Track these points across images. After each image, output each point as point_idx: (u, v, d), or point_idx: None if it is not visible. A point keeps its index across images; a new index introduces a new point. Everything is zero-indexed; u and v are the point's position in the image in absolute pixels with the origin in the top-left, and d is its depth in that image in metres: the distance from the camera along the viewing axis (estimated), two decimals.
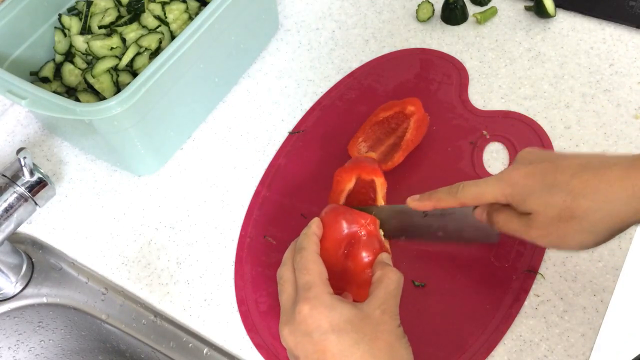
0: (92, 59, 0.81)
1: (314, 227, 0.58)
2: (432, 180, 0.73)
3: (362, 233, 0.60)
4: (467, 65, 0.84)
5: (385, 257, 0.59)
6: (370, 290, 0.53)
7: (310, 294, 0.50)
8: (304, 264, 0.53)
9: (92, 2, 0.83)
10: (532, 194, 0.52)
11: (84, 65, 0.82)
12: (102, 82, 0.78)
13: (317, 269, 0.52)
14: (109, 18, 0.81)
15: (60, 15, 0.83)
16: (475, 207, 0.60)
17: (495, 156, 0.75)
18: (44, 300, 0.76)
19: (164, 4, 0.81)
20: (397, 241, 0.69)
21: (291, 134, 0.81)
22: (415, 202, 0.61)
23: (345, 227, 0.60)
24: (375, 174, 0.68)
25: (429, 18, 0.90)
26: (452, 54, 0.86)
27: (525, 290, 0.66)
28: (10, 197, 0.69)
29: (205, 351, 0.69)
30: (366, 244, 0.60)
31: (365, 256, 0.59)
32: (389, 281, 0.53)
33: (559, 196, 0.50)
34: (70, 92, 0.81)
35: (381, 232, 0.66)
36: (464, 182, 0.57)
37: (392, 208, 0.66)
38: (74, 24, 0.82)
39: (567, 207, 0.50)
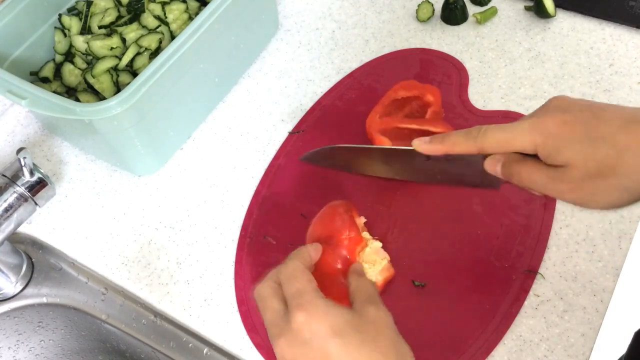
0: (92, 59, 0.81)
1: (310, 247, 0.58)
2: None
3: (345, 243, 0.62)
4: (467, 65, 0.84)
5: (359, 267, 0.59)
6: (352, 298, 0.52)
7: (304, 300, 0.48)
8: (291, 273, 0.51)
9: (92, 2, 0.83)
10: (570, 145, 0.47)
11: (84, 65, 0.82)
12: (102, 82, 0.78)
13: (306, 277, 0.51)
14: (109, 18, 0.81)
15: (60, 15, 0.83)
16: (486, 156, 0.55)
17: None
18: (44, 300, 0.76)
19: (164, 4, 0.81)
20: (392, 184, 0.68)
21: (291, 134, 0.81)
22: (424, 145, 0.54)
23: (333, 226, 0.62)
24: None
25: (429, 18, 0.90)
26: (452, 54, 0.86)
27: (525, 290, 0.65)
28: (10, 197, 0.69)
29: (205, 351, 0.69)
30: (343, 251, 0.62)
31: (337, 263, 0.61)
32: (367, 286, 0.53)
33: (602, 150, 0.46)
34: (70, 92, 0.81)
35: (380, 244, 0.67)
36: (487, 126, 0.51)
37: (393, 150, 0.62)
38: (74, 24, 0.82)
39: (610, 162, 0.46)
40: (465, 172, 0.58)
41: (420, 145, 0.54)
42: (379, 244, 0.67)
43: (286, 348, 0.47)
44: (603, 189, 0.47)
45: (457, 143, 0.53)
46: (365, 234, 0.67)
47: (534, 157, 0.50)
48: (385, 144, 0.74)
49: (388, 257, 0.67)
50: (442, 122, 0.74)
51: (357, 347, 0.46)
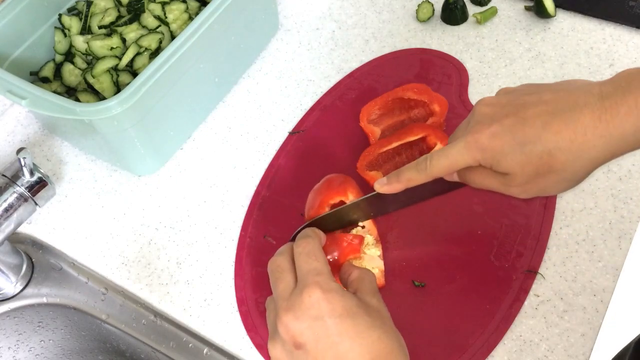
0: (92, 59, 0.81)
1: (320, 232, 0.58)
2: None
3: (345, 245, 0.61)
4: (467, 65, 0.84)
5: (353, 262, 0.60)
6: (355, 286, 0.53)
7: (320, 279, 0.48)
8: (312, 250, 0.51)
9: (92, 2, 0.83)
10: (505, 156, 0.50)
11: (84, 65, 0.82)
12: (102, 82, 0.78)
13: (323, 258, 0.51)
14: (109, 18, 0.81)
15: (60, 15, 0.83)
16: None
17: None
18: (44, 300, 0.76)
19: (164, 4, 0.81)
20: (373, 221, 0.68)
21: (291, 134, 0.81)
22: (385, 187, 0.58)
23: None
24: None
25: (429, 18, 0.90)
26: (452, 54, 0.86)
27: (525, 290, 0.65)
28: (10, 197, 0.69)
29: (205, 351, 0.69)
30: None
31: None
32: (370, 277, 0.53)
33: (533, 154, 0.48)
34: (70, 92, 0.81)
35: (378, 252, 0.66)
36: (432, 154, 0.55)
37: (363, 200, 0.64)
38: (74, 24, 0.82)
39: (544, 163, 0.48)
40: (434, 187, 0.61)
41: (380, 187, 0.58)
42: (376, 253, 0.66)
43: (294, 322, 0.47)
44: (548, 185, 0.50)
45: (412, 178, 0.56)
46: (369, 237, 0.66)
47: None
48: (373, 133, 0.76)
49: (381, 267, 0.66)
50: (441, 132, 0.74)
51: (368, 328, 0.47)
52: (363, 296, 0.51)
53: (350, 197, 0.66)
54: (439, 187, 0.60)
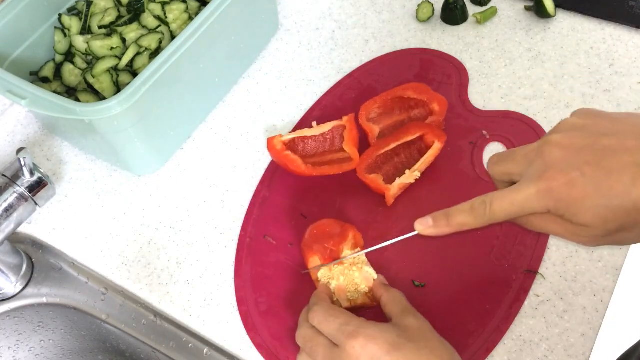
0: (92, 59, 0.81)
1: (321, 292, 0.59)
2: (432, 181, 0.73)
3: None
4: (467, 65, 0.84)
5: (382, 278, 0.61)
6: (388, 310, 0.53)
7: (352, 328, 0.49)
8: (327, 311, 0.52)
9: (92, 2, 0.83)
10: (586, 209, 0.44)
11: (84, 65, 0.82)
12: (102, 82, 0.78)
13: (339, 310, 0.52)
14: (109, 18, 0.81)
15: (60, 15, 0.83)
16: None
17: None
18: (44, 300, 0.76)
19: (164, 4, 0.81)
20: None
21: None
22: (430, 229, 0.52)
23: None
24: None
25: (429, 18, 0.90)
26: (452, 54, 0.86)
27: (525, 290, 0.66)
28: (10, 197, 0.69)
29: (205, 351, 0.69)
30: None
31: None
32: (398, 296, 0.54)
33: (620, 210, 0.43)
34: (70, 92, 0.81)
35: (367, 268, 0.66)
36: (491, 197, 0.49)
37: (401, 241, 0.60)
38: (74, 24, 0.82)
39: (632, 219, 0.44)
40: None
41: (425, 229, 0.52)
42: (362, 288, 0.65)
43: None
44: (628, 238, 0.46)
45: (466, 223, 0.51)
46: (369, 270, 0.65)
47: None
48: (372, 131, 0.76)
49: (368, 288, 0.65)
50: (439, 130, 0.74)
51: (416, 355, 0.48)
52: (399, 321, 0.51)
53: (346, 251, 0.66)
54: None
